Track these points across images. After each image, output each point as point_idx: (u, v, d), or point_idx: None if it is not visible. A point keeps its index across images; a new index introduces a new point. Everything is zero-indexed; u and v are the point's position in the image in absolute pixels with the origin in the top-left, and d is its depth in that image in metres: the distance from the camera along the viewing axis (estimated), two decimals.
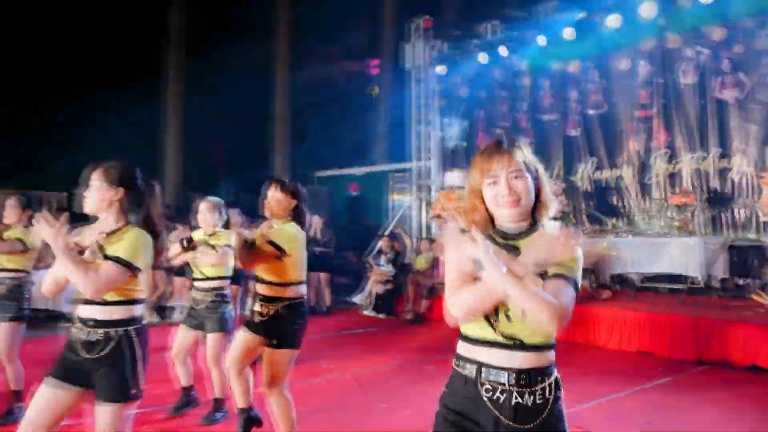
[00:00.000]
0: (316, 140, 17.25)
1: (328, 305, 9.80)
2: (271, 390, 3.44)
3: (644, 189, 9.18)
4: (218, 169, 18.19)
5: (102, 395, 2.41)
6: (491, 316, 1.84)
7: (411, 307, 9.22)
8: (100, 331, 2.44)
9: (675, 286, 8.06)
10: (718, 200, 8.37)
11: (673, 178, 8.90)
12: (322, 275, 9.74)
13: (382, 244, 10.50)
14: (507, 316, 1.82)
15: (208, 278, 4.48)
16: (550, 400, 1.84)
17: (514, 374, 1.82)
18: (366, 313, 9.69)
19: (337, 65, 18.78)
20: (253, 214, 4.80)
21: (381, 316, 9.38)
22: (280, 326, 3.47)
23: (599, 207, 9.67)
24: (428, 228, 12.09)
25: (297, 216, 3.65)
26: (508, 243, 1.89)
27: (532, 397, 1.82)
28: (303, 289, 3.61)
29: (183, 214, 7.89)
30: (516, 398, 1.82)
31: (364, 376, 5.78)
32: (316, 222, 9.71)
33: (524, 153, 1.90)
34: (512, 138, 1.98)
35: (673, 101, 8.90)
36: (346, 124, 16.95)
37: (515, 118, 11.10)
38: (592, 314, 7.25)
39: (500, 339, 1.84)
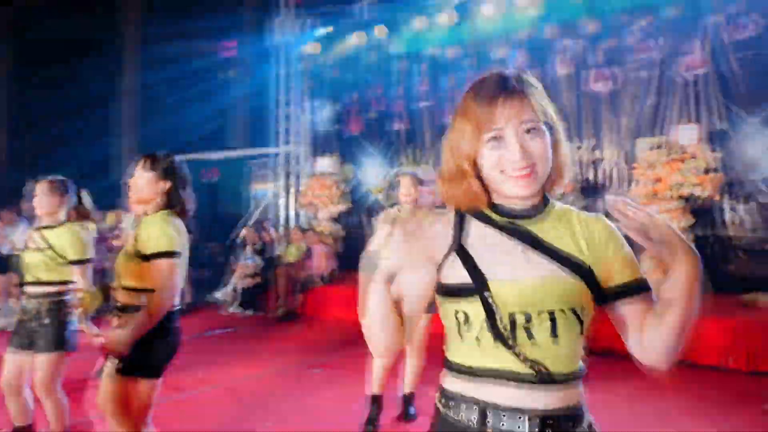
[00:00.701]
0: (169, 121, 15.76)
1: (188, 302, 8.73)
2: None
3: None
4: (51, 148, 16.03)
5: None
6: (505, 331, 1.25)
7: (282, 302, 8.46)
8: None
9: None
10: (591, 190, 8.53)
11: None
12: None
13: (245, 234, 9.60)
14: (528, 331, 1.23)
15: (42, 282, 3.43)
16: None
17: (538, 421, 1.23)
18: (231, 310, 8.77)
19: (195, 40, 17.32)
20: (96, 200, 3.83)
21: (248, 313, 8.53)
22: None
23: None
24: (297, 217, 11.36)
25: (171, 202, 2.79)
26: (514, 225, 1.30)
27: None
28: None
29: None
30: None
31: (241, 388, 4.99)
32: None
33: (541, 96, 1.32)
34: (521, 73, 1.36)
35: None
36: (204, 105, 15.66)
37: (389, 104, 10.68)
38: None
39: (518, 368, 1.24)
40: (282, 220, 11.44)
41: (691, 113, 7.64)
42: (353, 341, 6.67)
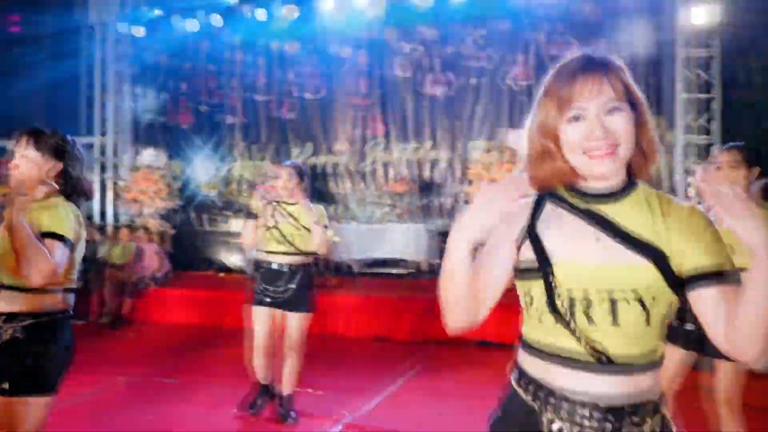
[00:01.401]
0: None
1: None
2: None
3: (361, 176, 9.31)
4: None
5: None
6: (565, 313, 1.24)
7: (108, 308, 7.64)
8: None
9: (393, 271, 8.33)
10: (429, 189, 8.93)
11: (387, 166, 9.22)
12: None
13: None
14: (587, 315, 1.22)
15: None
16: None
17: (599, 411, 1.21)
18: None
19: None
20: None
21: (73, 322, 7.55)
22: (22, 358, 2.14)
23: (315, 193, 9.47)
24: (115, 213, 10.33)
25: (66, 186, 2.33)
26: (589, 207, 1.29)
27: None
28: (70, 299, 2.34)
29: None
30: None
31: (90, 404, 4.39)
32: None
33: (625, 75, 1.28)
34: (604, 53, 1.31)
35: (389, 93, 9.21)
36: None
37: (224, 96, 10.21)
38: (329, 303, 6.94)
39: (579, 351, 1.22)
40: (97, 217, 10.34)
41: (519, 120, 8.37)
42: (195, 346, 6.28)
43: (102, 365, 5.54)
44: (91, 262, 8.17)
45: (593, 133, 1.23)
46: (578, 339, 1.21)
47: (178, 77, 10.47)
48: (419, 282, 7.89)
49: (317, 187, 9.49)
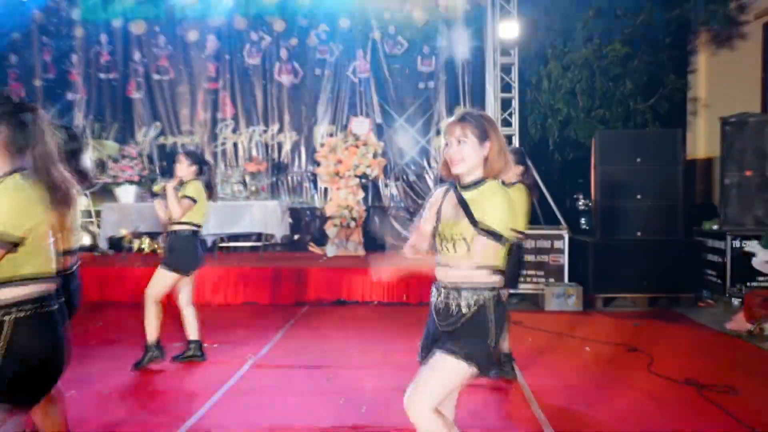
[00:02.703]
0: None
1: None
2: None
3: (212, 156, 9.81)
4: None
5: None
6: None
7: None
8: None
9: (248, 244, 9.08)
10: (278, 169, 9.76)
11: (237, 147, 9.85)
12: None
13: None
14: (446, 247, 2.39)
15: None
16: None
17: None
18: None
19: None
20: None
21: None
22: None
23: (165, 172, 9.78)
24: None
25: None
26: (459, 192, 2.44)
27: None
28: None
29: None
30: None
31: None
32: None
33: (480, 121, 2.36)
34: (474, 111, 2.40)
35: (238, 78, 9.81)
36: None
37: (63, 71, 10.00)
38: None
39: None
40: None
41: (361, 109, 9.53)
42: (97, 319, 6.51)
43: None
44: None
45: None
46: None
47: (7, 48, 9.98)
48: (267, 254, 8.76)
49: (168, 166, 9.81)
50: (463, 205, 2.28)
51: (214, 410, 3.83)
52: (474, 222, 2.22)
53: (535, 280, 7.25)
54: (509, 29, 8.71)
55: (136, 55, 9.91)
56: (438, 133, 9.58)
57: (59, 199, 2.00)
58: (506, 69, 8.98)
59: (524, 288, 7.20)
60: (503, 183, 2.46)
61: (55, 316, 2.04)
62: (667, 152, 7.25)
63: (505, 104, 9.01)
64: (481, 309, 2.26)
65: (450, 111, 9.49)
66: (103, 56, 9.94)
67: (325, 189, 9.43)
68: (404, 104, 9.59)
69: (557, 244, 7.24)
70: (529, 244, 7.17)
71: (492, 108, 8.99)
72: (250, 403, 3.99)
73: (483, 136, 2.30)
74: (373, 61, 9.62)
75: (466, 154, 2.28)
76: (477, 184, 2.32)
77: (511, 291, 5.68)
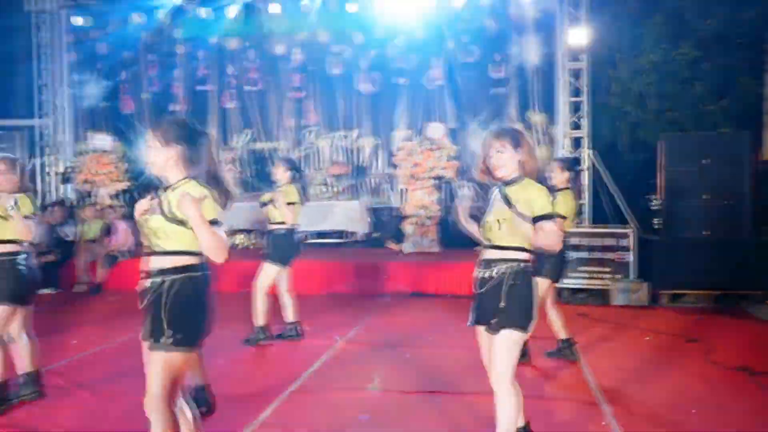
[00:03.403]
0: None
1: None
2: None
3: (298, 160, 10.66)
4: None
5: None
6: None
7: (85, 278, 8.59)
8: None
9: (331, 241, 9.86)
10: (359, 171, 10.51)
11: (320, 151, 10.68)
12: None
13: None
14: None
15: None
16: None
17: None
18: None
19: None
20: None
21: (50, 291, 8.38)
22: None
23: (257, 175, 10.72)
24: (58, 192, 10.98)
25: None
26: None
27: None
28: None
29: None
30: None
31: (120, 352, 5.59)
32: None
33: (516, 134, 2.94)
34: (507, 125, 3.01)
35: (322, 87, 10.64)
36: None
37: (167, 84, 11.13)
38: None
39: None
40: (39, 195, 10.92)
41: (435, 114, 10.14)
42: None
43: (89, 325, 6.61)
44: (58, 238, 9.02)
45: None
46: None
47: (119, 66, 11.21)
48: (356, 250, 9.50)
49: (258, 170, 10.77)
50: (505, 198, 2.85)
51: (312, 377, 4.54)
52: (512, 208, 2.80)
53: (601, 276, 7.61)
54: (578, 35, 9.07)
55: (230, 69, 10.91)
56: None
57: (226, 197, 2.66)
58: (575, 74, 9.34)
59: (591, 283, 7.58)
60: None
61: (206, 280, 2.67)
62: (735, 154, 7.44)
63: (575, 108, 9.37)
64: (518, 280, 2.81)
65: (521, 115, 9.94)
66: (201, 70, 11.00)
67: (403, 190, 10.07)
68: (476, 109, 10.10)
69: (623, 242, 7.57)
70: (596, 241, 7.56)
71: (562, 112, 9.39)
72: (341, 372, 4.68)
73: (516, 145, 2.86)
74: (447, 69, 10.20)
75: (506, 160, 2.85)
76: (516, 181, 2.88)
77: (569, 285, 6.11)
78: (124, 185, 10.48)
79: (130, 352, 5.25)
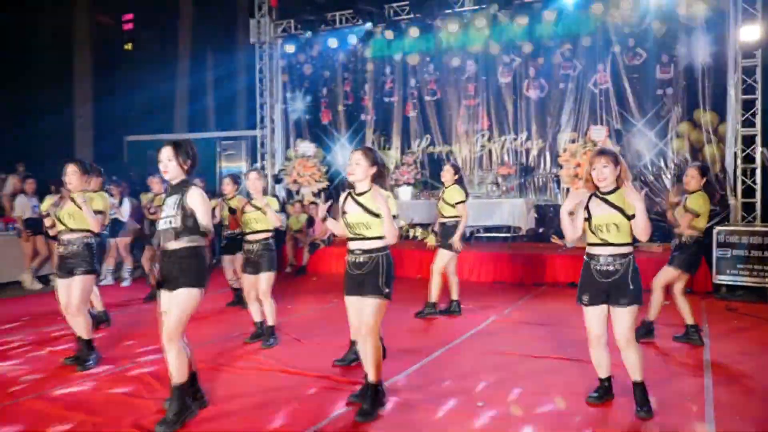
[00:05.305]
0: (126, 103, 16.78)
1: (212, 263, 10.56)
2: None
3: (470, 161, 11.82)
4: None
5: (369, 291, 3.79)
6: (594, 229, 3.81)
7: (293, 262, 10.59)
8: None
9: (499, 235, 10.85)
10: (526, 171, 11.37)
11: (492, 154, 11.71)
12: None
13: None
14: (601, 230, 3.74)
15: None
16: None
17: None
18: None
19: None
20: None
21: None
22: None
23: (433, 176, 12.05)
24: (272, 191, 13.27)
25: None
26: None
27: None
28: None
29: None
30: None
31: (318, 314, 7.20)
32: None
33: (613, 155, 3.73)
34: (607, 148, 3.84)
35: (493, 95, 11.65)
36: (161, 88, 16.85)
37: (358, 97, 12.91)
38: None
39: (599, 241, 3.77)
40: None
41: (600, 117, 10.65)
42: None
43: (299, 296, 8.37)
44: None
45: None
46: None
47: (320, 83, 13.23)
48: (515, 244, 10.40)
49: (434, 171, 12.08)
50: (610, 203, 3.70)
51: (465, 342, 5.69)
52: (623, 213, 3.65)
53: (761, 274, 7.73)
54: (752, 32, 9.02)
55: (412, 81, 12.36)
56: (677, 135, 10.23)
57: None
58: (749, 71, 9.30)
59: (749, 281, 7.74)
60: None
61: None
62: None
63: (748, 105, 9.33)
64: (628, 268, 3.68)
65: (689, 114, 10.08)
66: (387, 84, 12.59)
67: (566, 189, 10.74)
68: (642, 110, 10.43)
69: None
70: (756, 239, 7.71)
71: (733, 110, 9.41)
72: (493, 339, 5.76)
73: (616, 162, 3.71)
74: (612, 73, 10.64)
75: (609, 174, 3.71)
76: (614, 191, 3.72)
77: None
78: (323, 185, 12.44)
79: (329, 315, 6.88)
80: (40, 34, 16.32)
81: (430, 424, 3.73)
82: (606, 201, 3.71)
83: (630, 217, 3.61)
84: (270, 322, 5.63)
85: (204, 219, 3.72)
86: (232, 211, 6.29)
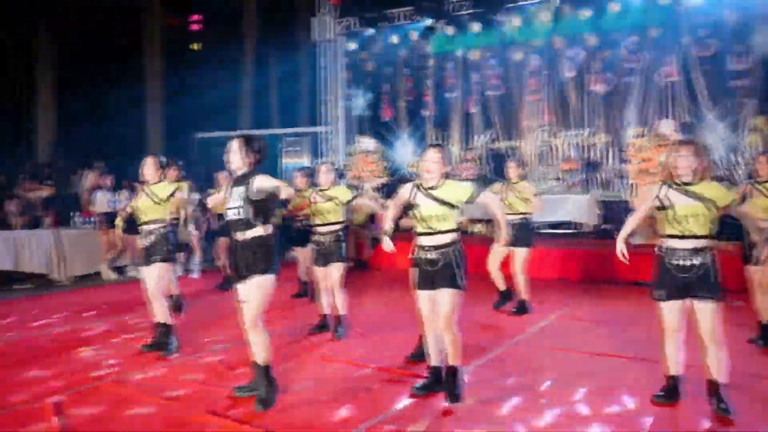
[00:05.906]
0: (195, 102, 17.33)
1: None
2: None
3: (533, 157, 11.67)
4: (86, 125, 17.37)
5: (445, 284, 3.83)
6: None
7: (354, 256, 10.75)
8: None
9: (563, 231, 10.68)
10: (590, 167, 11.14)
11: (555, 149, 11.53)
12: None
13: None
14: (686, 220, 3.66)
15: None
16: None
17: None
18: None
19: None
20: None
21: None
22: None
23: (495, 172, 11.95)
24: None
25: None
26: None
27: None
28: None
29: None
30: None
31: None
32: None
33: (697, 144, 3.69)
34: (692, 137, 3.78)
35: (556, 89, 11.46)
36: (225, 87, 17.34)
37: (419, 93, 12.94)
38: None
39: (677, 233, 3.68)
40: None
41: (668, 110, 10.33)
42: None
43: (363, 290, 8.48)
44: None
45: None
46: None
47: (382, 79, 13.33)
48: (579, 240, 10.20)
49: (497, 167, 11.98)
50: (693, 195, 3.60)
51: (530, 338, 5.67)
52: (705, 202, 3.56)
53: None
54: None
55: (474, 77, 12.29)
56: (752, 129, 9.80)
57: None
58: None
59: None
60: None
61: None
62: None
63: None
64: (710, 261, 3.61)
65: (763, 106, 9.65)
66: (449, 80, 12.57)
67: (633, 184, 10.45)
68: (714, 103, 10.05)
69: None
70: None
71: None
72: (558, 337, 5.71)
73: (698, 153, 3.63)
74: (682, 65, 10.29)
75: (691, 164, 3.61)
76: (693, 182, 3.62)
77: None
78: (384, 180, 12.53)
79: (392, 309, 6.97)
80: (115, 39, 17.06)
81: (495, 420, 3.76)
82: (687, 192, 3.62)
83: (717, 209, 3.56)
84: (342, 311, 5.75)
85: (284, 192, 3.84)
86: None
